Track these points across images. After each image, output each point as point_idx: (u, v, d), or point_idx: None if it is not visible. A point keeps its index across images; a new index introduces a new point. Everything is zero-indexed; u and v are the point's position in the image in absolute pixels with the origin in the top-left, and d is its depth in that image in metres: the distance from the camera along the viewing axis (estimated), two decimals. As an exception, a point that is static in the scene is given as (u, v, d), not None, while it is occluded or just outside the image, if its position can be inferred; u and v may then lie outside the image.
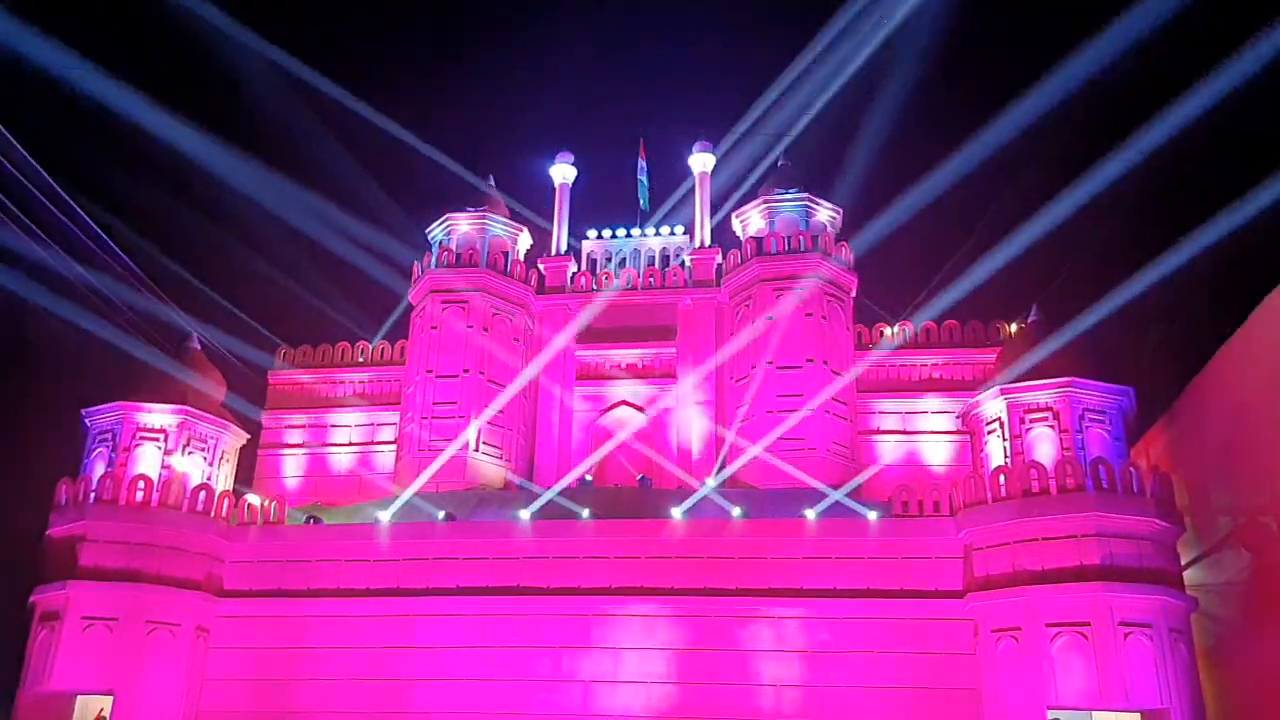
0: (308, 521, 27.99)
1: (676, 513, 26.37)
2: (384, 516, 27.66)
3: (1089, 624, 22.80)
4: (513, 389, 33.35)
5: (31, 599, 26.29)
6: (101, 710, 25.42)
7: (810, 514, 25.91)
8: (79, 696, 25.62)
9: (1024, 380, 26.25)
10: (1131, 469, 24.33)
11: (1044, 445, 25.63)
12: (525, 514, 26.93)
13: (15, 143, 30.80)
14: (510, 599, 25.98)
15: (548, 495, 27.81)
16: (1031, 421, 26.02)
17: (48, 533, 26.82)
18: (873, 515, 25.84)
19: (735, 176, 36.95)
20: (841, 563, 25.38)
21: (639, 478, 30.92)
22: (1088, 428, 25.61)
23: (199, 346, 30.90)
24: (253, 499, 28.58)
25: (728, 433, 31.90)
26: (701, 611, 25.34)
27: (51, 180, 32.66)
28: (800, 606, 25.09)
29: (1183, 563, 24.83)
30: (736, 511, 26.27)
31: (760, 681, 24.66)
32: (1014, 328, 32.39)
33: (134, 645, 25.33)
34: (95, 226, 34.29)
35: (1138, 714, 22.79)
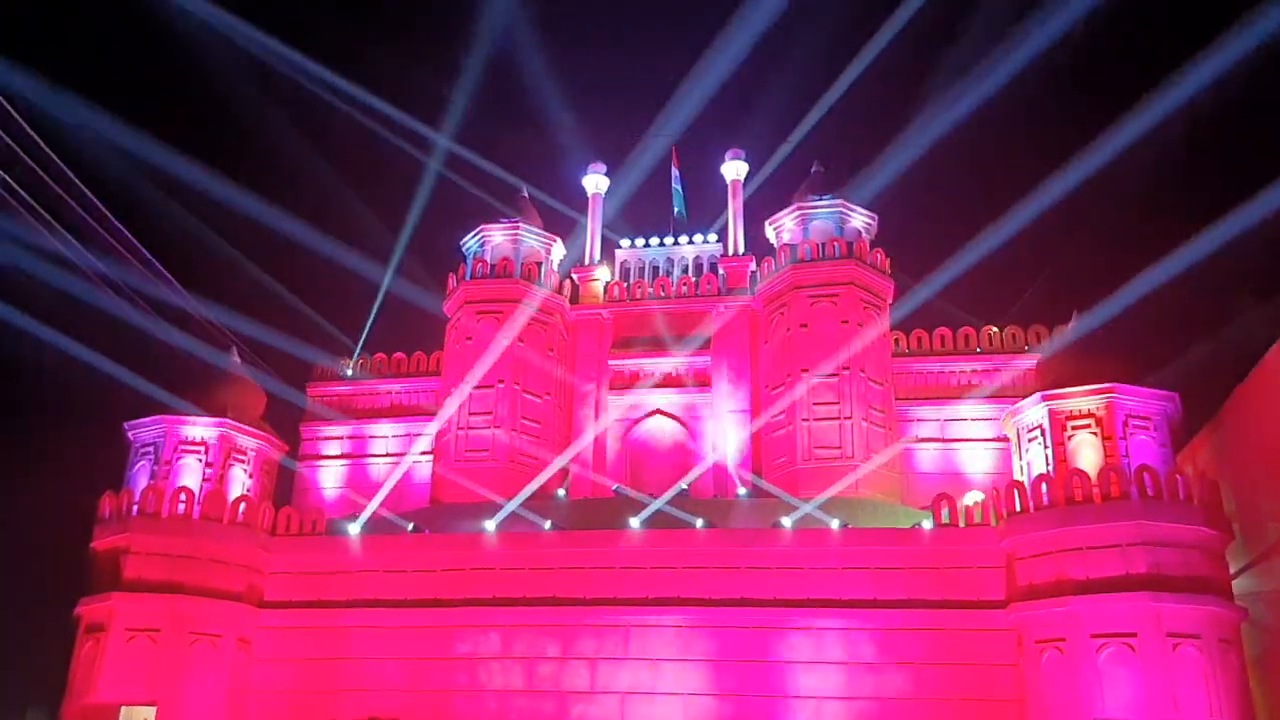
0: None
1: (699, 522, 26.25)
2: (411, 528, 27.85)
3: (1136, 634, 22.35)
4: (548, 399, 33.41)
5: (76, 610, 26.65)
6: None
7: (834, 524, 25.63)
8: (123, 707, 25.90)
9: (1066, 386, 25.85)
10: (1177, 476, 23.86)
11: (1087, 452, 25.19)
12: (548, 524, 26.97)
13: (54, 156, 31.34)
14: (548, 610, 25.95)
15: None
16: (1074, 428, 25.60)
17: (92, 545, 27.19)
18: (916, 524, 25.56)
19: (770, 183, 36.82)
20: (881, 573, 25.09)
21: (682, 487, 30.60)
22: (1132, 434, 25.15)
23: (238, 360, 31.25)
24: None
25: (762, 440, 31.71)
26: (740, 622, 25.16)
27: (92, 194, 33.21)
28: (839, 617, 24.84)
29: (1231, 571, 24.32)
30: (787, 521, 26.04)
31: (799, 693, 24.41)
32: (1046, 333, 32.06)
33: (177, 656, 25.57)
34: (136, 242, 34.82)
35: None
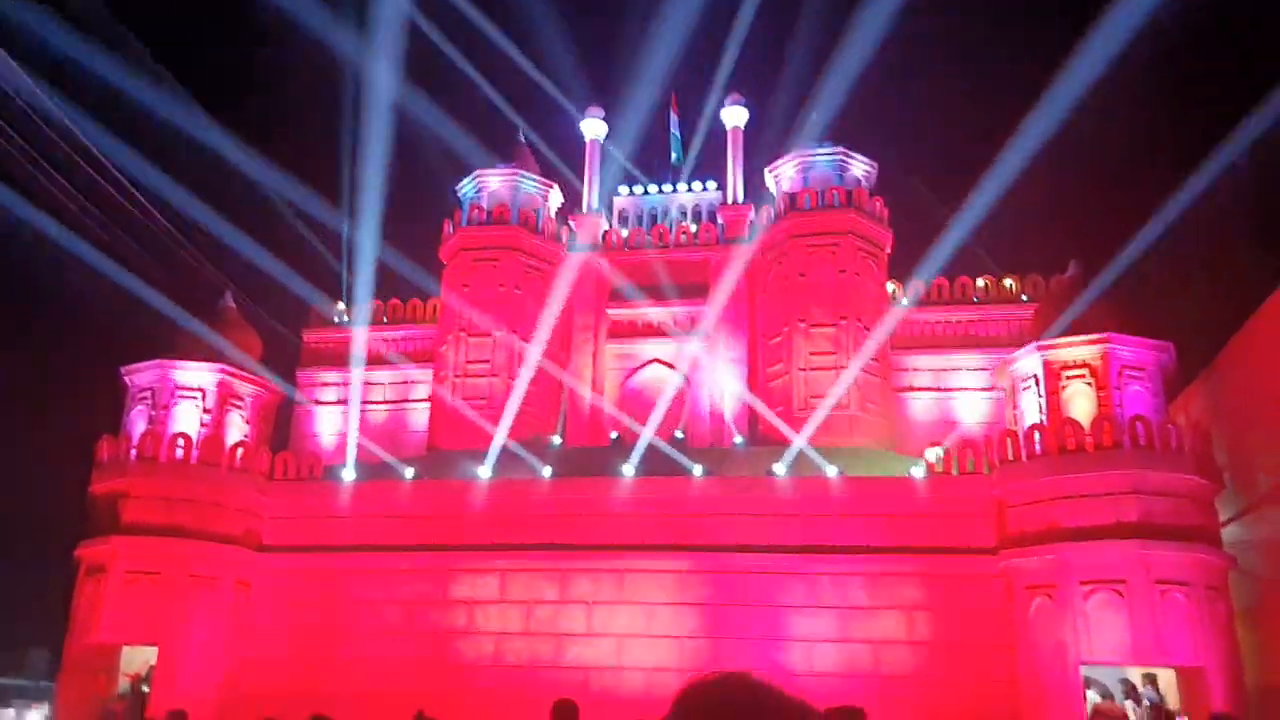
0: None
1: (697, 470, 26.46)
2: (410, 474, 28.05)
3: (1124, 581, 22.67)
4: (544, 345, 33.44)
5: (77, 553, 26.90)
6: (138, 671, 25.97)
7: (830, 470, 25.83)
8: (125, 648, 26.26)
9: (1061, 336, 25.92)
10: (1170, 425, 24.03)
11: (1080, 402, 25.33)
12: (548, 470, 27.17)
13: (41, 92, 30.92)
14: (545, 554, 26.25)
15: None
16: (1068, 378, 25.71)
17: (91, 489, 27.34)
18: (909, 472, 25.78)
19: (770, 130, 36.47)
20: (874, 519, 25.37)
21: (676, 434, 30.88)
22: (1126, 384, 25.27)
23: (234, 304, 31.16)
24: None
25: (759, 391, 31.83)
26: (734, 567, 25.48)
27: (82, 135, 32.83)
28: (833, 563, 25.15)
29: (1221, 520, 24.61)
30: (780, 469, 26.25)
31: (792, 636, 24.82)
32: (1042, 282, 32.05)
33: (177, 598, 25.87)
34: (128, 183, 34.51)
35: (1172, 671, 22.76)
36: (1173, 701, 22.81)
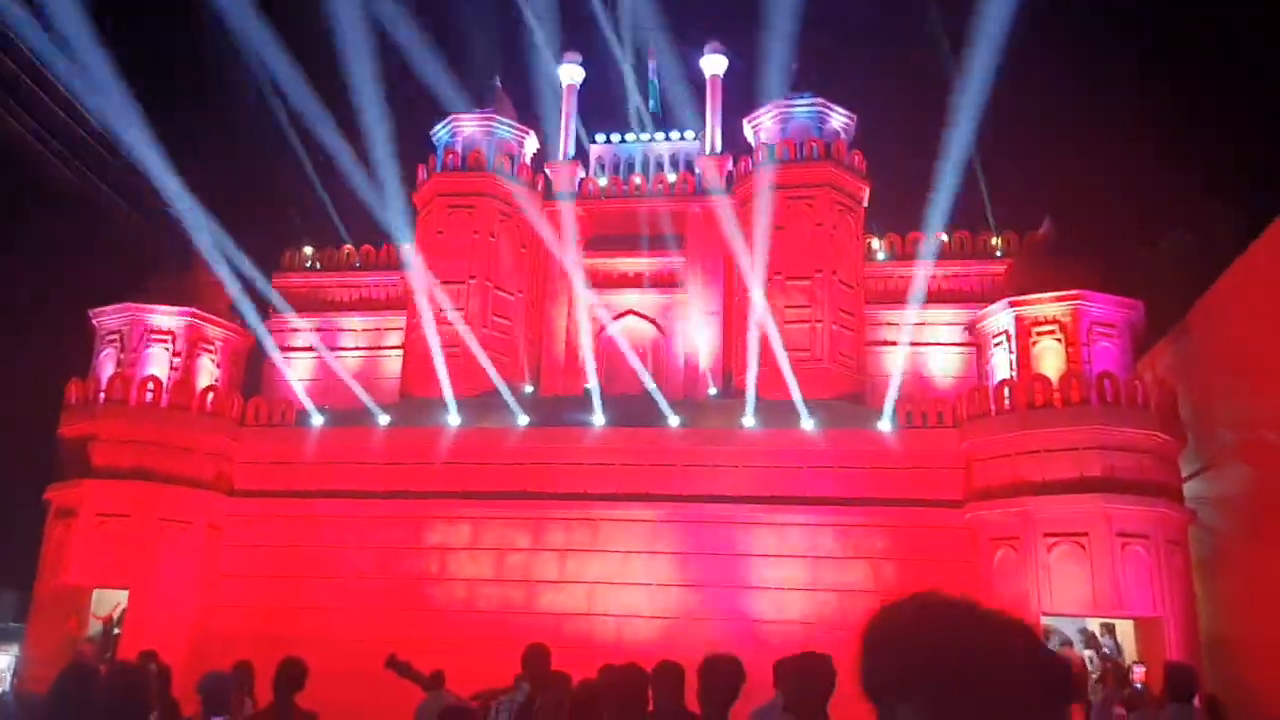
0: None
1: (674, 421, 26.62)
2: (384, 420, 27.99)
3: (1086, 534, 23.16)
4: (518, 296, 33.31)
5: (46, 495, 26.75)
6: (109, 613, 25.97)
7: (806, 423, 26.07)
8: (95, 590, 26.24)
9: (1033, 293, 26.12)
10: (1136, 382, 24.38)
11: (1050, 358, 25.64)
12: (522, 419, 27.21)
13: (12, 34, 30.09)
14: (518, 503, 26.39)
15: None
16: (1039, 334, 25.99)
17: (59, 431, 27.12)
18: (880, 425, 26.04)
19: (750, 79, 36.02)
20: (844, 472, 25.68)
21: (648, 386, 30.93)
22: (1095, 341, 25.59)
23: (204, 247, 30.66)
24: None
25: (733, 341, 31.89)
26: (706, 517, 25.75)
27: (50, 74, 32.02)
28: (803, 513, 25.48)
29: (1183, 475, 25.09)
30: (750, 421, 26.45)
31: (762, 585, 25.20)
32: (1016, 238, 32.13)
33: (148, 541, 25.85)
34: (96, 124, 33.77)
35: (1130, 621, 23.34)
36: (1130, 651, 23.43)
